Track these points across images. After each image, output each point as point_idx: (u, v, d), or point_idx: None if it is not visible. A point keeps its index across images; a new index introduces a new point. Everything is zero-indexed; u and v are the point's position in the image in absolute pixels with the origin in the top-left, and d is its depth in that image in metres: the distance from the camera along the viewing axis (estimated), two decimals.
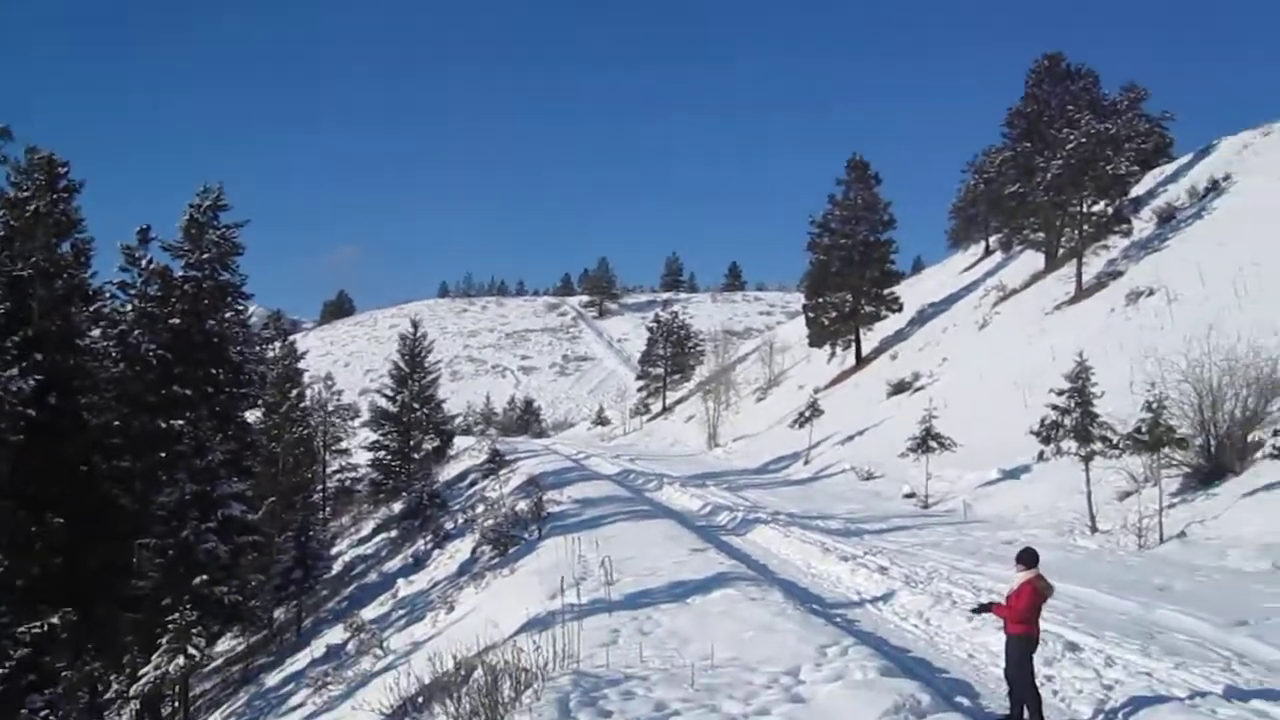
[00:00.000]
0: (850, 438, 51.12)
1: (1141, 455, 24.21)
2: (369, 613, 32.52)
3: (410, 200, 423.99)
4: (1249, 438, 25.33)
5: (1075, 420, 25.13)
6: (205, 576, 31.02)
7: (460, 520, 42.01)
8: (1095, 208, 52.05)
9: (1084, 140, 50.70)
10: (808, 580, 21.05)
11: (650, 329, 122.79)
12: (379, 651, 24.52)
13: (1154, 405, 23.09)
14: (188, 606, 27.76)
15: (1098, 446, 25.00)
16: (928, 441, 34.18)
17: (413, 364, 67.71)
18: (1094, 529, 24.87)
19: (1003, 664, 11.37)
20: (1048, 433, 25.76)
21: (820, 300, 75.16)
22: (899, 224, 75.32)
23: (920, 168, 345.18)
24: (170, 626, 26.80)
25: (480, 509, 41.52)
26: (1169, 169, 66.20)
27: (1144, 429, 22.91)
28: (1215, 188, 54.33)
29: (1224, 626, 14.91)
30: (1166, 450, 23.69)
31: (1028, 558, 10.85)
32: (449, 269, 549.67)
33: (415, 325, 68.98)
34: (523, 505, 33.30)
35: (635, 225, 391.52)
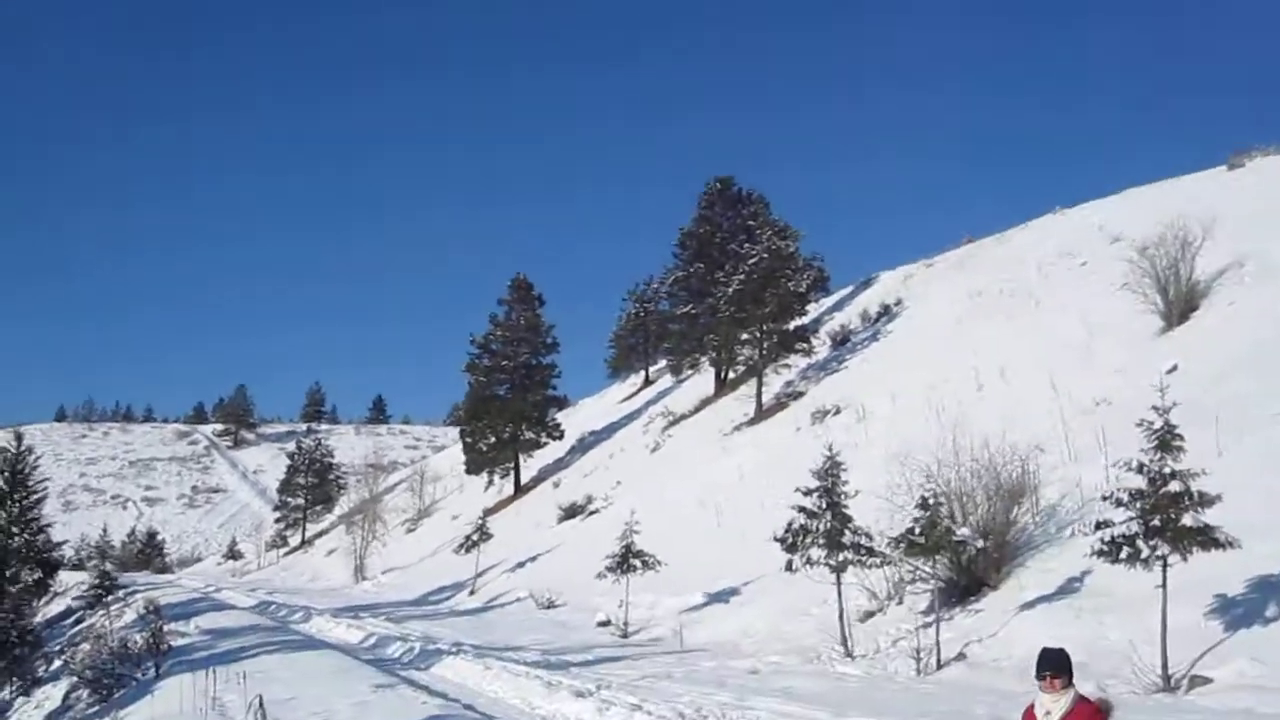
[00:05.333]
0: (521, 564, 46.64)
1: (915, 561, 20.83)
2: None
3: (18, 310, 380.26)
4: (1004, 544, 22.53)
5: (827, 524, 21.44)
6: None
7: (57, 663, 34.32)
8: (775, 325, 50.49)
9: (765, 255, 49.22)
10: None
11: (291, 457, 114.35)
12: None
13: (930, 502, 19.69)
14: None
15: (850, 556, 21.38)
16: (629, 560, 29.86)
17: (13, 482, 57.58)
18: (849, 654, 21.12)
19: None
20: (794, 539, 21.90)
21: (479, 424, 70.70)
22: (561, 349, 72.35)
23: (576, 298, 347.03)
24: None
25: (85, 647, 33.95)
26: (830, 300, 66.67)
27: (919, 530, 19.40)
28: (887, 312, 54.65)
29: None
30: (934, 559, 20.31)
31: (1065, 665, 6.51)
32: (67, 392, 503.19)
33: (19, 438, 59.12)
34: (136, 638, 26.37)
35: (276, 353, 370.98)
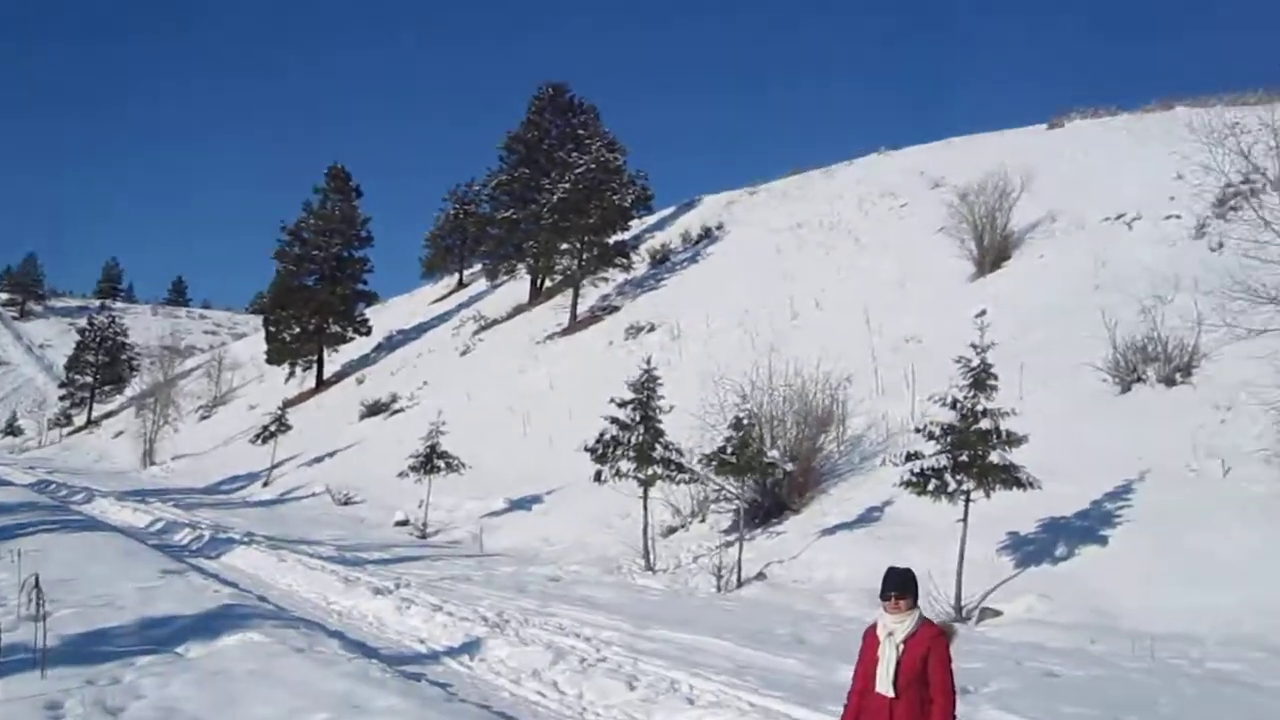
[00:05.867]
0: (320, 459, 45.51)
1: (723, 480, 20.96)
2: None
3: None
4: (809, 470, 22.85)
5: (639, 437, 21.31)
6: None
7: None
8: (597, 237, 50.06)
9: (593, 166, 48.60)
10: (336, 621, 15.48)
11: (81, 333, 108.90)
12: None
13: (744, 423, 19.71)
14: None
15: (660, 470, 21.33)
16: (433, 461, 29.30)
17: None
18: (650, 568, 21.14)
19: None
20: (604, 450, 21.72)
21: (284, 314, 68.36)
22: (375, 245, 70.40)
23: (395, 194, 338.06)
24: None
25: None
26: (652, 219, 66.41)
27: (730, 450, 19.41)
28: (708, 235, 54.76)
29: None
30: (743, 480, 20.39)
31: (912, 586, 6.27)
32: None
33: None
34: None
35: (70, 225, 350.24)
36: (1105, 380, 21.85)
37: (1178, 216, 29.41)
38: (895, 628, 6.14)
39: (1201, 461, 17.75)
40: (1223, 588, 14.31)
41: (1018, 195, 34.07)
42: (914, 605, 6.22)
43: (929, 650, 6.08)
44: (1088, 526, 17.12)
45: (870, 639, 6.31)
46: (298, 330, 67.45)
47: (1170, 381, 20.88)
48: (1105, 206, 32.55)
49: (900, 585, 6.20)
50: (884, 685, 6.08)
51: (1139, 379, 21.48)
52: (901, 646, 6.09)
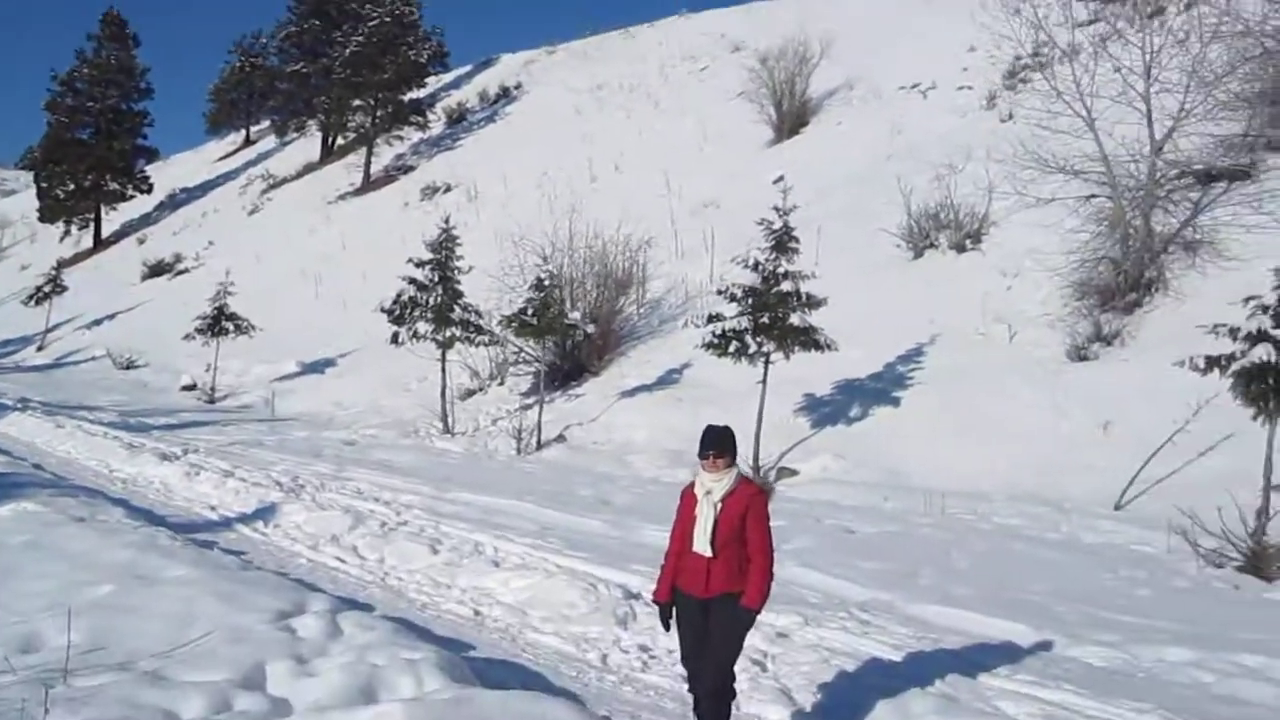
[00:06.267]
0: (99, 321, 43.32)
1: (523, 342, 20.72)
2: None
3: None
4: (609, 333, 22.79)
5: (438, 298, 20.75)
6: None
7: None
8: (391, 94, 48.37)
9: (388, 19, 46.70)
10: (120, 489, 14.66)
11: None
12: None
13: (545, 284, 19.35)
14: None
15: (458, 332, 20.87)
16: (220, 322, 28.07)
17: None
18: (449, 430, 20.79)
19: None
20: (401, 311, 21.09)
21: (57, 169, 64.19)
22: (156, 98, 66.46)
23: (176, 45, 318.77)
24: None
25: None
26: (449, 77, 64.44)
27: (531, 311, 19.06)
28: (506, 95, 53.65)
29: None
30: (543, 341, 20.09)
31: (730, 444, 6.05)
32: None
33: None
34: None
35: None
36: (899, 246, 22.25)
37: (970, 87, 29.94)
38: (713, 486, 5.94)
39: (989, 326, 18.27)
40: (1007, 446, 14.83)
41: (817, 62, 34.18)
42: (732, 463, 6.03)
43: (747, 508, 5.91)
44: (881, 388, 17.50)
45: (688, 498, 6.11)
46: (72, 187, 63.52)
47: (961, 248, 21.38)
48: (902, 76, 32.91)
49: (718, 443, 6.00)
50: (701, 544, 5.91)
51: (931, 245, 21.93)
52: (719, 505, 5.90)
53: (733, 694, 6.13)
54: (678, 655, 7.34)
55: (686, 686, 6.28)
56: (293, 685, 6.11)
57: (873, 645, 7.99)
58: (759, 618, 6.09)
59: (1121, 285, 17.67)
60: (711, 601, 5.91)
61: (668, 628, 6.22)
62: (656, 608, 6.31)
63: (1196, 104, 17.86)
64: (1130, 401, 14.83)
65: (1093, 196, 18.70)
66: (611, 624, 8.44)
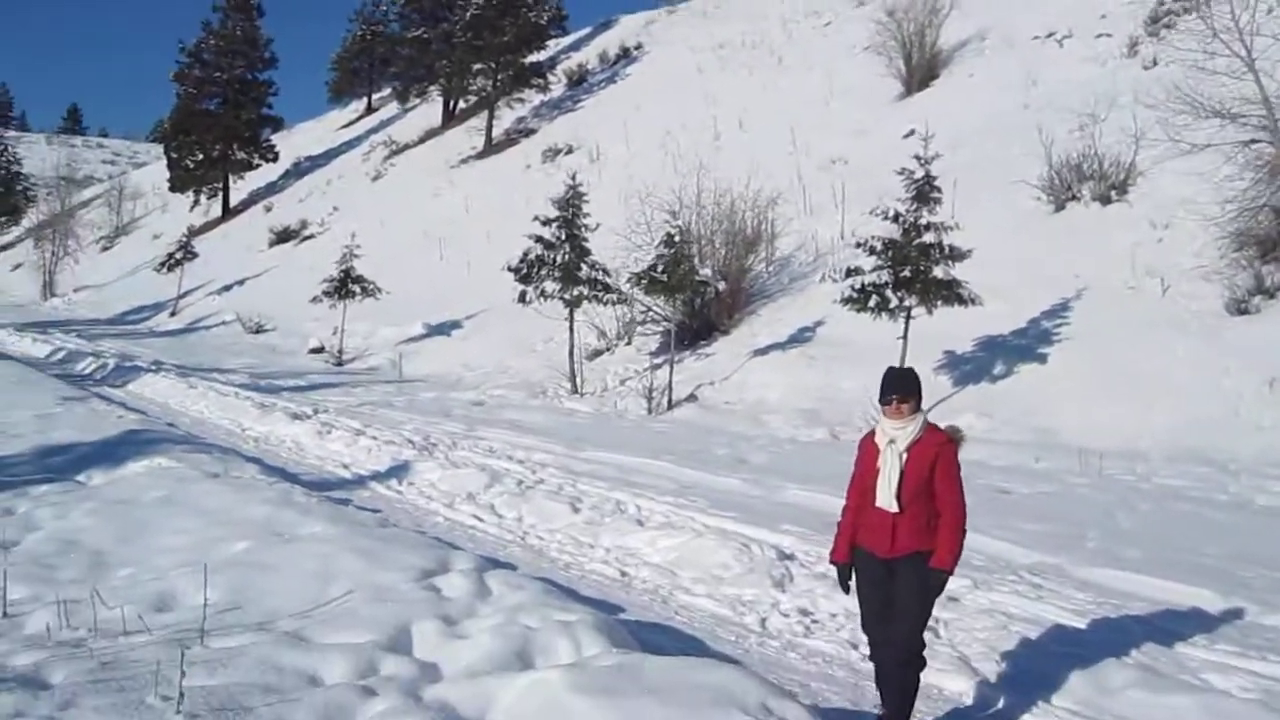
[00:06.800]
0: (228, 287, 44.16)
1: (653, 300, 20.39)
2: None
3: None
4: (738, 290, 22.37)
5: (565, 256, 20.53)
6: None
7: None
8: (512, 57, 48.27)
9: None
10: (253, 447, 14.75)
11: None
12: None
13: (675, 240, 19.00)
14: None
15: (586, 291, 20.63)
16: (347, 285, 28.28)
17: None
18: (577, 390, 20.61)
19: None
20: (529, 270, 20.91)
21: (186, 139, 65.59)
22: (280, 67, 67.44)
23: (299, 13, 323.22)
24: None
25: None
26: (568, 40, 64.27)
27: (662, 268, 18.73)
28: (627, 55, 53.16)
29: None
30: (673, 299, 19.75)
31: (916, 387, 5.61)
32: None
33: None
34: None
35: None
36: (1039, 199, 21.42)
37: (1109, 35, 28.75)
38: (897, 435, 5.45)
39: (1140, 279, 17.46)
40: (1164, 404, 14.13)
41: (948, 12, 33.14)
42: (918, 409, 5.54)
43: (936, 458, 5.43)
44: (1025, 345, 16.85)
45: (868, 448, 5.64)
46: (201, 157, 64.88)
47: (1105, 200, 20.48)
48: (1035, 25, 31.72)
49: (902, 386, 5.51)
50: (885, 499, 5.43)
51: (1073, 197, 21.05)
52: (905, 455, 5.42)
53: (923, 662, 5.65)
54: (841, 620, 6.99)
55: (868, 654, 5.85)
56: (441, 648, 5.84)
57: (1052, 610, 7.51)
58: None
59: None
60: (897, 562, 5.45)
61: (847, 590, 5.74)
62: (835, 569, 5.81)
63: None
64: None
65: (1253, 142, 17.66)
66: (768, 586, 8.08)
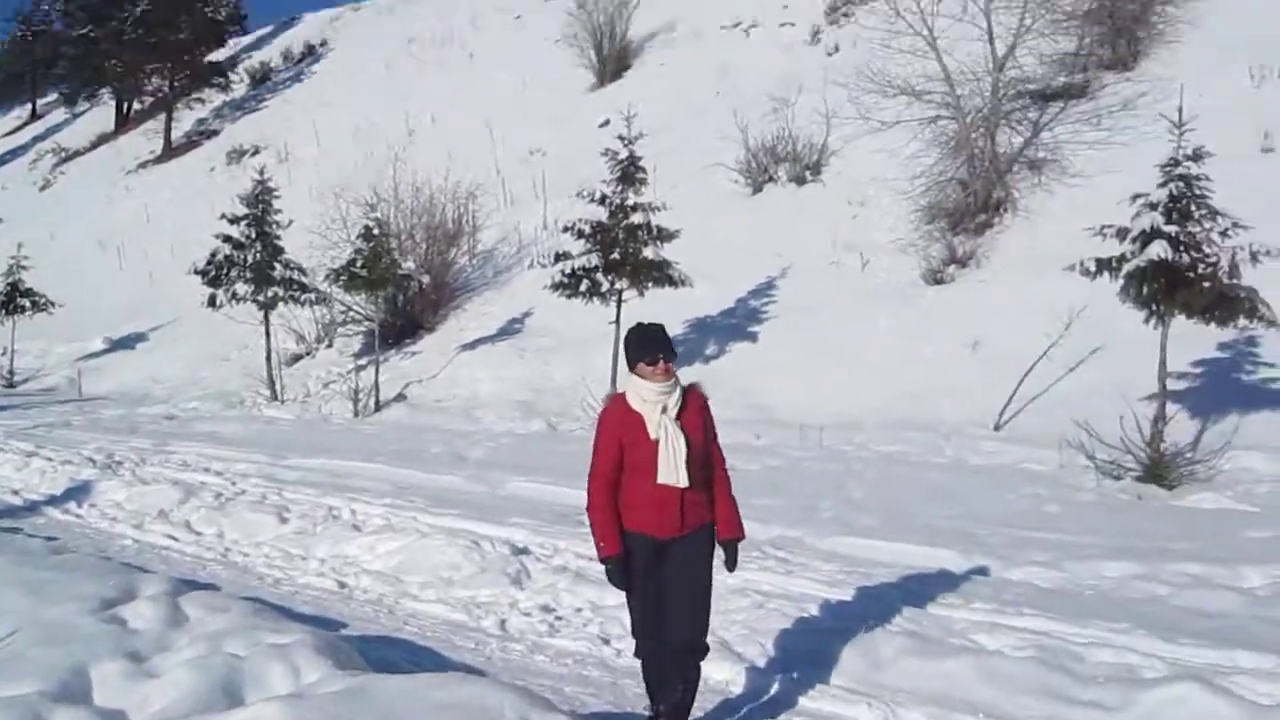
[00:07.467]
0: None
1: (353, 298, 19.38)
2: None
3: None
4: (442, 286, 21.67)
5: (257, 255, 19.23)
6: None
7: None
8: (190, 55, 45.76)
9: None
10: None
11: None
12: None
13: (374, 233, 18.05)
14: None
15: (281, 291, 19.41)
16: (15, 301, 25.82)
17: None
18: (277, 397, 19.38)
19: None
20: (217, 271, 19.47)
21: None
22: None
23: None
24: None
25: None
26: (249, 38, 61.55)
27: (361, 262, 17.75)
28: (312, 52, 51.25)
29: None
30: (375, 296, 18.86)
31: (672, 344, 4.92)
32: None
33: None
34: None
35: None
36: (737, 182, 21.68)
37: (793, 25, 29.59)
38: (667, 401, 4.80)
39: (840, 255, 17.80)
40: (874, 374, 14.33)
41: (636, 3, 33.31)
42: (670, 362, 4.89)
43: (704, 418, 4.94)
44: (735, 324, 16.90)
45: (627, 420, 4.85)
46: None
47: (801, 180, 20.88)
48: (722, 16, 32.28)
49: (666, 343, 4.86)
50: (671, 473, 4.76)
51: (770, 179, 21.38)
52: (681, 421, 4.82)
53: (708, 648, 5.06)
54: (587, 614, 6.47)
55: (629, 650, 5.21)
56: (128, 692, 4.83)
57: (804, 584, 7.18)
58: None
59: (971, 206, 17.41)
60: (676, 541, 4.83)
61: (629, 587, 4.93)
62: (607, 565, 4.92)
63: (1035, 20, 17.63)
64: (992, 321, 14.53)
65: (937, 118, 18.31)
66: (504, 584, 7.40)
